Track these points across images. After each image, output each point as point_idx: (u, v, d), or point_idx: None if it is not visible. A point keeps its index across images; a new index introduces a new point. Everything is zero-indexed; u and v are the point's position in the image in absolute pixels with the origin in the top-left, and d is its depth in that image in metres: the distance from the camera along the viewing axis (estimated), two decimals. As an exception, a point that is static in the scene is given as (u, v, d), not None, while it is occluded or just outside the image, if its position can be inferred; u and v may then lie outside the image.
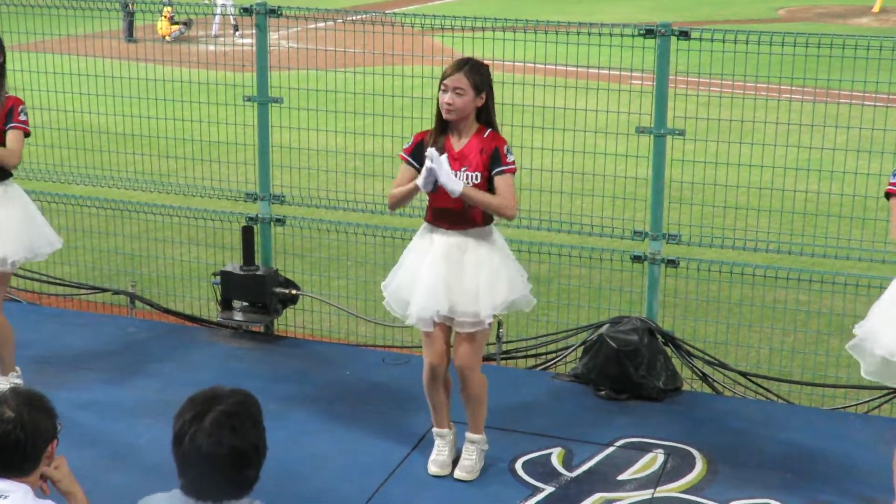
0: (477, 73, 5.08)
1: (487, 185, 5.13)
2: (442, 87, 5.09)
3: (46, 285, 8.15)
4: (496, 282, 5.20)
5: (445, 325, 5.28)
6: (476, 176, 5.10)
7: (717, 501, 5.27)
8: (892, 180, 4.78)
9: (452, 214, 5.16)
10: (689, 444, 5.81)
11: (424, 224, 5.32)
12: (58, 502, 3.43)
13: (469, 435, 5.51)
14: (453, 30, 6.73)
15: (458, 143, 5.15)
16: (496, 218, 5.25)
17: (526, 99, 6.78)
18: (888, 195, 4.82)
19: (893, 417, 6.24)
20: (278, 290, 7.18)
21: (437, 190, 5.10)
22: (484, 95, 5.11)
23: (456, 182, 4.99)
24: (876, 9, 28.73)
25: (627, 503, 5.26)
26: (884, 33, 22.16)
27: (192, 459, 3.17)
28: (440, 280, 5.15)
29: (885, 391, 6.34)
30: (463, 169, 5.09)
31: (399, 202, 5.26)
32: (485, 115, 5.17)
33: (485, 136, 5.13)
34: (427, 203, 5.27)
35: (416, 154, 5.20)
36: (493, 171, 5.08)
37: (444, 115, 5.11)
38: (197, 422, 3.15)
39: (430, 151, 4.98)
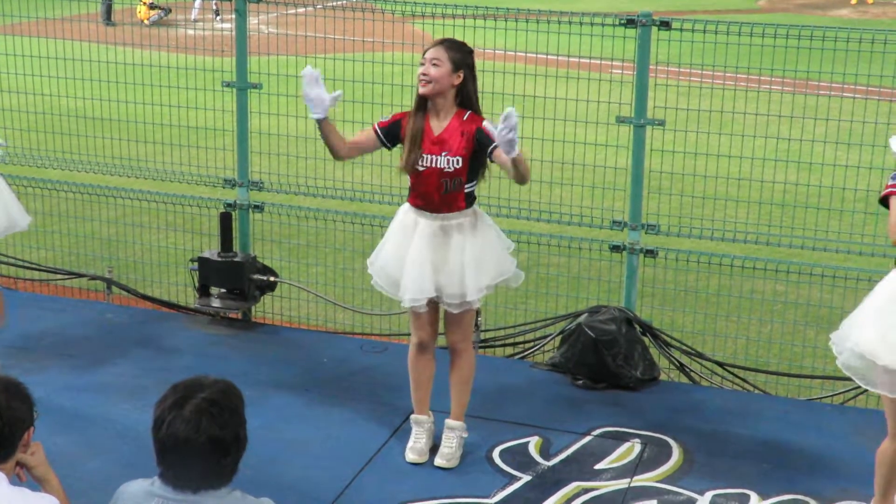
0: (457, 51, 5.07)
1: (469, 168, 5.12)
2: (421, 62, 5.11)
3: (22, 270, 8.09)
4: (482, 262, 5.21)
5: (433, 302, 5.30)
6: (458, 160, 5.09)
7: (693, 491, 5.30)
8: (889, 183, 4.46)
9: (435, 200, 5.15)
10: (666, 434, 5.83)
11: (407, 205, 5.31)
12: (33, 489, 3.42)
13: (449, 422, 5.51)
14: (433, 17, 6.71)
15: (437, 127, 5.13)
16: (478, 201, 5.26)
17: (506, 87, 6.77)
18: (884, 199, 4.46)
19: (868, 408, 6.28)
20: (256, 276, 7.15)
21: (418, 174, 5.10)
22: (461, 74, 5.09)
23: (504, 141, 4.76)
24: (854, 0, 28.82)
25: (604, 492, 5.27)
26: (863, 25, 22.24)
27: (169, 446, 3.16)
28: (427, 263, 5.16)
29: (861, 382, 6.37)
30: (444, 153, 5.08)
31: (330, 147, 5.16)
32: (462, 96, 5.14)
33: (464, 118, 5.11)
34: (409, 186, 5.26)
35: (391, 131, 5.21)
36: (490, 148, 4.98)
37: (420, 89, 5.09)
38: (177, 408, 3.15)
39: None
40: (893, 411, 4.60)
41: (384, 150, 5.39)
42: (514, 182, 5.01)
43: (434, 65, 5.06)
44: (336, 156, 5.26)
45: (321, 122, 5.05)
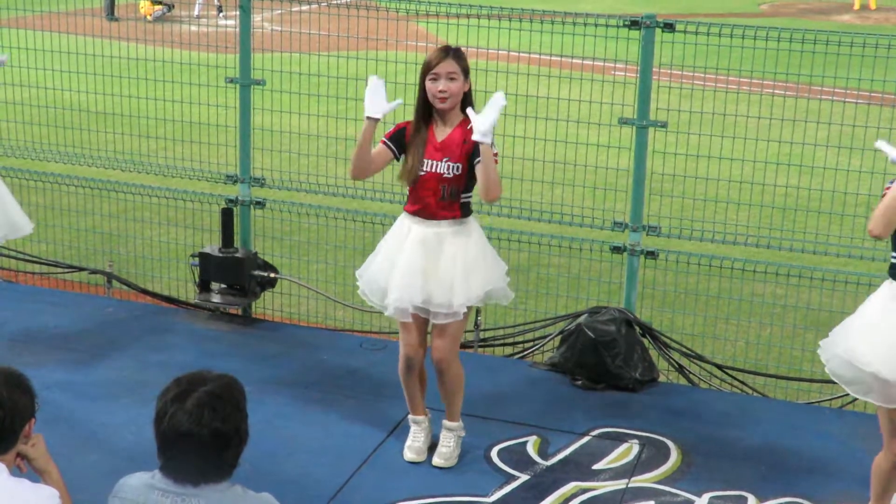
0: (463, 59, 5.10)
1: (468, 176, 5.12)
2: (432, 76, 5.04)
3: (22, 263, 8.10)
4: (472, 273, 5.17)
5: (421, 316, 5.26)
6: (458, 167, 5.08)
7: (691, 493, 5.30)
8: (887, 186, 4.48)
9: (431, 205, 5.14)
10: (665, 435, 5.84)
11: (403, 213, 5.30)
12: (34, 481, 3.42)
13: (446, 423, 5.51)
14: (438, 16, 6.71)
15: (441, 133, 5.13)
16: (477, 206, 5.25)
17: (509, 87, 6.76)
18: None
19: (866, 412, 6.28)
20: (256, 272, 7.16)
21: (417, 180, 5.09)
22: (468, 81, 5.12)
23: (486, 122, 4.85)
24: (856, 6, 28.84)
25: (602, 492, 5.28)
26: (865, 30, 22.24)
27: (170, 438, 3.18)
28: (416, 270, 5.13)
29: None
30: (445, 159, 5.07)
31: (358, 157, 5.09)
32: (466, 102, 5.15)
33: (468, 127, 5.08)
34: (407, 194, 5.26)
35: (396, 139, 5.19)
36: (475, 160, 5.03)
37: (439, 105, 5.06)
38: (179, 401, 3.16)
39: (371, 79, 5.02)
40: (886, 422, 4.61)
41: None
42: (482, 197, 5.06)
43: (452, 79, 5.03)
44: (357, 169, 5.15)
45: (370, 124, 5.03)
